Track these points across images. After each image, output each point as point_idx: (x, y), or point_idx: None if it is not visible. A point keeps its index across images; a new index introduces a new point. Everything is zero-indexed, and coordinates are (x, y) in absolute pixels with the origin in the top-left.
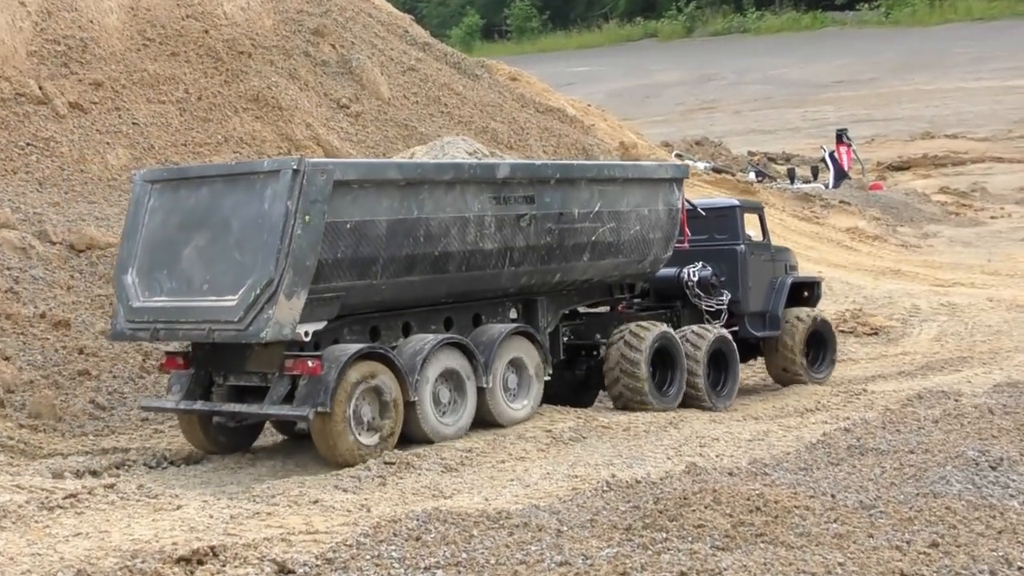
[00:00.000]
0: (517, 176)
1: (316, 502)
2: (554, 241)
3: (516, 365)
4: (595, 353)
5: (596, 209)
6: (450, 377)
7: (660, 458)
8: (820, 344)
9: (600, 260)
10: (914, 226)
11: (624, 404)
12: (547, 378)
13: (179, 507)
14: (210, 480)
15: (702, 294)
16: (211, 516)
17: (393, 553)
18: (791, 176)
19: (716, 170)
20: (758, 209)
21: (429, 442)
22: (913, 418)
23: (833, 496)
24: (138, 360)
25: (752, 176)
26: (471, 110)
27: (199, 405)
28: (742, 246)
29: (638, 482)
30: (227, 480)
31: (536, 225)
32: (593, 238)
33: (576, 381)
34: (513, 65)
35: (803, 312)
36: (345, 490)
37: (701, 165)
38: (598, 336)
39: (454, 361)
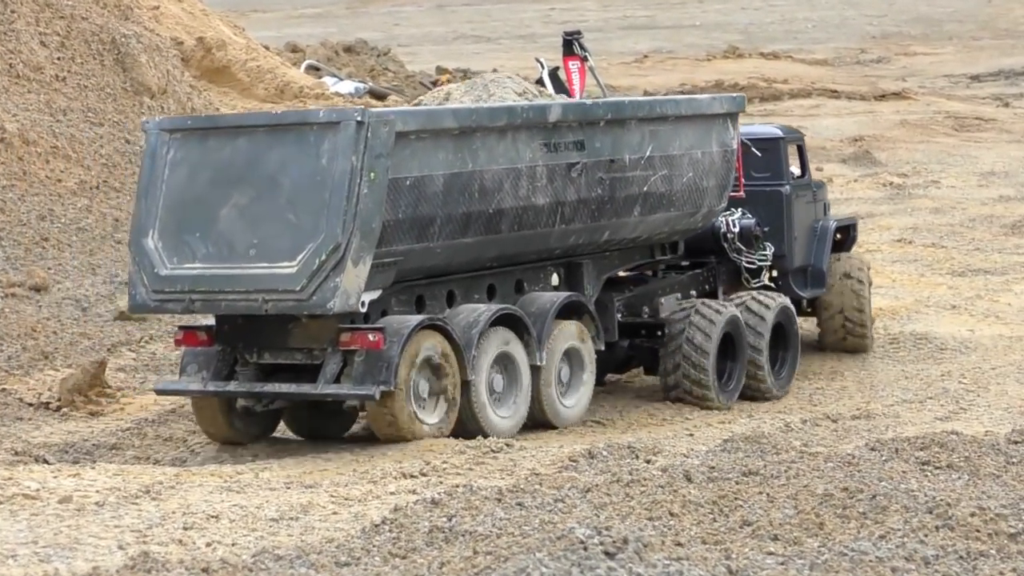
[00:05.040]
0: (568, 119)
1: None
2: (605, 193)
3: (569, 351)
4: (640, 329)
5: (647, 154)
6: (504, 356)
7: (108, 546)
8: None
9: (651, 215)
10: None
11: (679, 396)
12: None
13: None
14: None
15: (743, 248)
16: None
17: None
18: None
19: (375, 94)
20: (799, 139)
21: (480, 432)
22: (554, 486)
23: None
24: None
25: None
26: None
27: (232, 387)
28: (787, 187)
29: None
30: None
31: (587, 175)
32: (644, 188)
33: (616, 360)
34: None
35: (857, 263)
36: None
37: (348, 86)
38: (645, 308)
39: (507, 335)
